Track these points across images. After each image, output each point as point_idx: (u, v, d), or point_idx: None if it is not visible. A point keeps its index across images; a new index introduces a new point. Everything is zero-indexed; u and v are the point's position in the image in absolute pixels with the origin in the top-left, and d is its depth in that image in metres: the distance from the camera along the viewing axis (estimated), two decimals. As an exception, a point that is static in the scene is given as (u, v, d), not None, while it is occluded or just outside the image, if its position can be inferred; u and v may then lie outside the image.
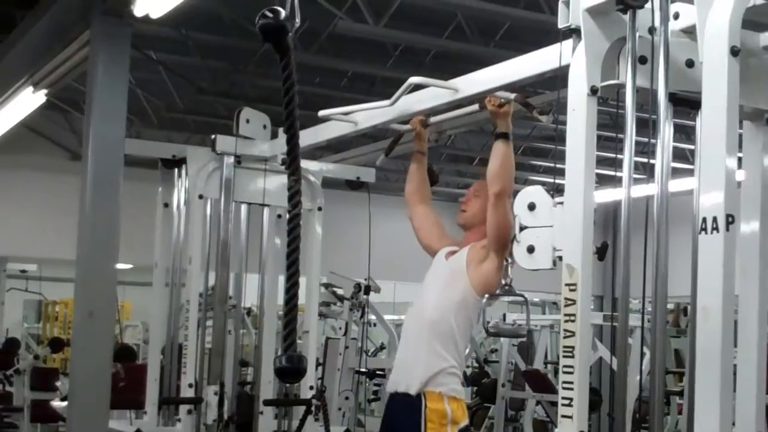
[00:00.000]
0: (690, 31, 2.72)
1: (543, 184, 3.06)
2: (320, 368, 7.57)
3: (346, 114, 4.42)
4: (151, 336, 5.89)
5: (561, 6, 2.84)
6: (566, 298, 2.72)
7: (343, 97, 8.70)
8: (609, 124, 2.94)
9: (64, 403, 6.69)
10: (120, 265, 5.86)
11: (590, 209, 2.73)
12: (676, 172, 2.74)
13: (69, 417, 5.41)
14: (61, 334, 13.86)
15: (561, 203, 2.82)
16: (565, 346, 2.72)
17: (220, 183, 5.34)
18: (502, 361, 9.91)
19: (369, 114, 4.28)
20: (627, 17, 2.70)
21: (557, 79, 2.91)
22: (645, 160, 2.74)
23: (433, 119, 4.44)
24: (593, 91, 2.73)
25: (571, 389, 2.69)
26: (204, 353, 5.40)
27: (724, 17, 2.43)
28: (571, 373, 2.69)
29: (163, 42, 8.44)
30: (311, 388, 5.27)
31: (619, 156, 2.70)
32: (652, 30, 2.71)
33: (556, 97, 2.96)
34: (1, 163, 10.50)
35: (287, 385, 5.54)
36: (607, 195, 3.07)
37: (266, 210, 5.50)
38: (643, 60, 2.70)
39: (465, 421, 4.02)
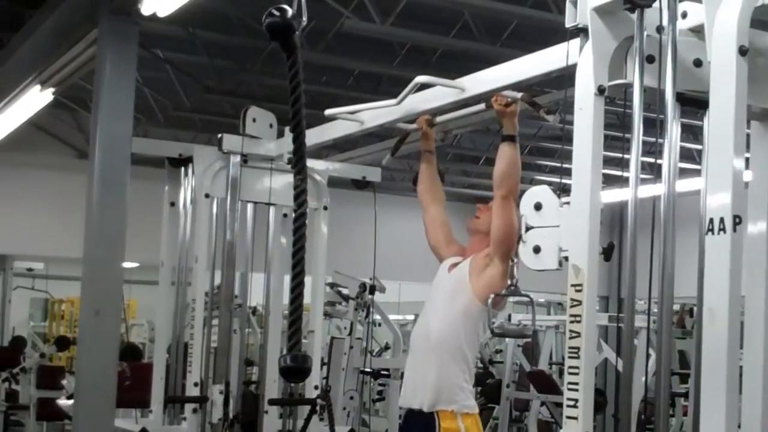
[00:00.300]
0: (698, 31, 2.71)
1: (549, 183, 3.06)
2: (325, 368, 7.57)
3: (352, 113, 4.42)
4: (156, 335, 5.89)
5: (568, 5, 2.84)
6: (572, 299, 2.72)
7: (349, 96, 8.70)
8: (616, 124, 2.94)
9: (70, 402, 6.70)
10: (126, 264, 5.87)
11: (597, 209, 2.73)
12: (683, 173, 2.74)
13: (75, 415, 5.41)
14: (67, 333, 13.89)
15: (567, 203, 2.82)
16: (570, 347, 2.72)
17: (227, 182, 5.35)
18: (506, 361, 9.90)
19: (375, 113, 4.28)
20: (635, 16, 2.70)
21: (564, 78, 2.91)
22: (652, 160, 2.73)
23: (439, 118, 4.44)
24: (600, 90, 2.72)
25: (577, 390, 2.68)
26: (209, 352, 5.41)
27: (733, 16, 2.42)
28: (577, 374, 2.69)
29: (170, 41, 8.44)
30: (316, 387, 5.27)
31: (626, 156, 2.69)
32: (659, 29, 2.70)
33: (563, 96, 2.95)
34: (9, 161, 10.51)
35: (292, 384, 5.53)
36: (613, 195, 3.06)
37: (272, 209, 5.50)
38: (650, 59, 2.70)
39: None
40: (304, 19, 2.40)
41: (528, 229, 2.92)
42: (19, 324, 14.82)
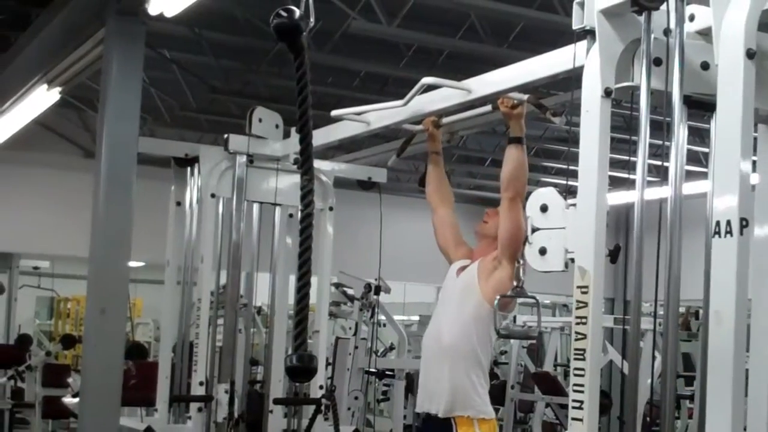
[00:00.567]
0: (705, 33, 2.70)
1: (555, 185, 3.06)
2: (330, 368, 7.57)
3: (358, 114, 4.41)
4: (162, 334, 5.90)
5: (575, 7, 2.84)
6: (578, 301, 2.72)
7: (355, 97, 8.71)
8: (622, 126, 2.94)
9: (76, 400, 6.72)
10: (132, 263, 5.87)
11: (603, 211, 2.72)
12: (689, 175, 2.73)
13: (80, 413, 5.42)
14: (72, 331, 13.90)
15: (574, 205, 2.82)
16: (576, 349, 2.72)
17: (233, 182, 5.35)
18: (511, 362, 9.90)
19: (381, 114, 4.27)
20: (642, 19, 2.70)
21: (571, 80, 2.91)
22: (659, 162, 2.73)
23: (445, 120, 4.44)
24: (607, 92, 2.72)
25: (582, 392, 2.68)
26: (215, 351, 5.41)
27: (740, 19, 2.41)
28: (582, 375, 2.68)
29: (177, 41, 8.45)
30: (321, 387, 5.28)
31: (632, 158, 2.69)
32: (667, 32, 2.70)
33: (569, 98, 2.95)
34: (15, 160, 10.53)
35: (297, 384, 5.54)
36: (620, 197, 3.05)
37: (278, 209, 5.51)
38: (657, 62, 2.69)
39: None
40: (312, 20, 2.40)
41: (534, 230, 2.92)
42: (25, 322, 14.85)
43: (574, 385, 2.70)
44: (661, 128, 2.66)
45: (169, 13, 5.16)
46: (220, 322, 5.52)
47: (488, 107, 4.04)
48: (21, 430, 10.30)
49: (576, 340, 2.71)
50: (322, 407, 5.08)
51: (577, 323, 2.71)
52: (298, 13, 2.26)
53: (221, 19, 7.85)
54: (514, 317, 8.86)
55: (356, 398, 7.81)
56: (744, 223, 2.36)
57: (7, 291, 12.91)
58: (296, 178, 5.24)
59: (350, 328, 8.20)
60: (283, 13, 2.25)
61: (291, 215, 5.48)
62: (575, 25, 2.85)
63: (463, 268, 4.17)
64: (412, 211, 10.41)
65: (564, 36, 3.07)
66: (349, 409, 7.68)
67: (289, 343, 5.51)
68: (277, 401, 5.37)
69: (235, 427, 5.20)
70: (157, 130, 10.52)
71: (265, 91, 9.43)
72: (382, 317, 8.80)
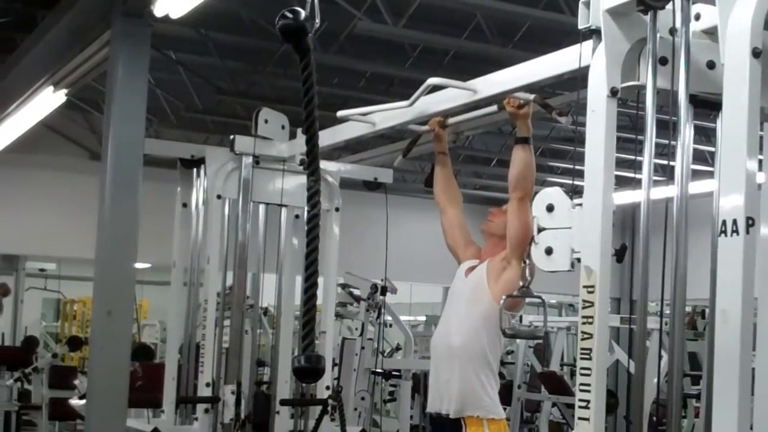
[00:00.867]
0: (711, 32, 2.70)
1: (561, 185, 3.05)
2: (336, 368, 7.58)
3: (364, 114, 4.42)
4: (168, 335, 5.91)
5: (581, 7, 2.84)
6: (584, 300, 2.72)
7: (361, 97, 8.71)
8: (628, 126, 2.94)
9: (83, 402, 6.73)
10: (138, 265, 5.89)
11: (609, 211, 2.72)
12: (695, 174, 2.73)
13: (87, 415, 5.44)
14: (79, 333, 13.93)
15: (580, 205, 2.82)
16: (582, 348, 2.72)
17: (239, 183, 5.36)
18: (518, 362, 9.90)
19: (387, 115, 4.28)
20: (648, 18, 2.69)
21: (577, 80, 2.91)
22: (665, 162, 2.73)
23: (451, 120, 4.44)
24: (613, 92, 2.72)
25: (588, 391, 2.68)
26: (221, 353, 5.41)
27: (746, 18, 2.41)
28: (588, 375, 2.68)
29: (183, 42, 8.47)
30: (327, 388, 5.28)
31: (638, 158, 2.69)
32: (672, 31, 2.70)
33: (575, 98, 2.95)
34: (21, 162, 10.55)
35: (304, 384, 5.54)
36: (626, 197, 3.05)
37: (284, 210, 5.51)
38: (663, 61, 2.69)
39: None
40: (317, 21, 2.41)
41: (540, 230, 2.92)
42: (31, 324, 14.87)
43: (581, 384, 2.70)
44: (667, 127, 2.66)
45: (175, 15, 5.17)
46: (226, 323, 5.53)
47: (494, 107, 4.04)
48: (28, 432, 10.33)
49: (582, 339, 2.71)
50: (329, 408, 5.08)
51: (584, 323, 2.71)
52: (303, 14, 2.26)
53: (227, 20, 7.86)
54: (521, 317, 8.87)
55: (363, 399, 7.82)
56: (750, 222, 2.36)
57: (13, 293, 12.94)
58: (302, 179, 5.25)
59: (357, 329, 8.21)
60: (289, 15, 2.25)
61: (297, 216, 5.48)
62: (581, 25, 2.85)
63: (472, 268, 4.17)
64: (418, 211, 10.42)
65: (570, 36, 3.07)
66: (355, 409, 7.68)
67: (295, 343, 5.51)
68: (283, 402, 5.37)
69: (241, 428, 5.21)
70: (163, 132, 10.54)
71: (270, 92, 9.44)
72: (389, 318, 8.81)
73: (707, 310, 3.20)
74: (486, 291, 4.02)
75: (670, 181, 2.68)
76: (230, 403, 5.19)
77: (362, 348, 7.89)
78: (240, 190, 5.36)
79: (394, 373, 8.99)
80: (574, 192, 2.88)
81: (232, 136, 5.42)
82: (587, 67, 2.81)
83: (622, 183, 2.89)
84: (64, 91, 6.78)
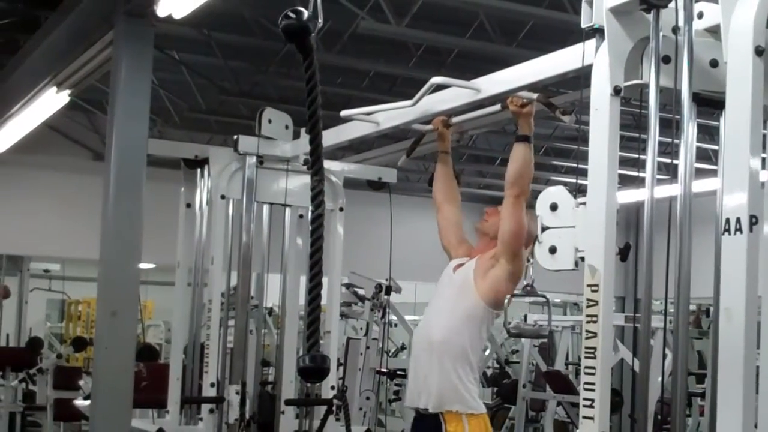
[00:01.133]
0: (714, 31, 2.70)
1: (565, 184, 3.06)
2: (341, 368, 7.58)
3: (368, 114, 4.42)
4: (173, 335, 5.91)
5: (584, 5, 2.84)
6: (588, 299, 2.72)
7: (364, 97, 8.71)
8: (632, 125, 2.94)
9: (87, 402, 6.73)
10: (143, 265, 5.89)
11: (613, 210, 2.72)
12: (699, 173, 2.73)
13: (92, 416, 5.44)
14: (83, 334, 13.94)
15: (583, 204, 2.82)
16: (587, 347, 2.72)
17: (242, 183, 5.36)
18: (523, 361, 9.89)
19: (391, 114, 4.28)
20: (650, 17, 2.70)
21: (580, 78, 2.91)
22: (668, 160, 2.73)
23: (455, 119, 4.44)
24: (616, 91, 2.72)
25: (593, 390, 2.68)
26: (226, 353, 5.42)
27: (749, 17, 2.41)
28: (593, 374, 2.69)
29: (186, 42, 8.47)
30: (332, 388, 5.28)
31: (642, 156, 2.69)
32: (675, 29, 2.70)
33: (579, 97, 2.95)
34: (25, 163, 10.56)
35: (308, 384, 5.55)
36: (629, 195, 3.05)
37: (288, 210, 5.51)
38: (666, 60, 2.69)
39: None
40: (320, 20, 2.41)
41: (544, 229, 2.92)
42: (36, 325, 14.89)
43: (585, 383, 2.70)
44: (671, 126, 2.66)
45: (178, 15, 5.17)
46: (231, 324, 5.53)
47: (497, 106, 4.04)
48: (33, 433, 10.35)
49: (587, 338, 2.71)
50: (334, 408, 5.08)
51: (588, 322, 2.71)
52: (306, 14, 2.27)
53: (230, 20, 7.86)
54: (525, 316, 8.87)
55: (368, 398, 7.82)
56: (754, 221, 2.36)
57: (17, 294, 12.96)
58: (306, 179, 5.25)
59: (361, 329, 8.21)
60: (292, 14, 2.26)
61: (301, 216, 5.49)
62: (584, 24, 2.85)
63: (461, 265, 4.16)
64: (422, 211, 10.37)
65: (573, 35, 3.07)
66: (360, 409, 7.69)
67: (300, 343, 5.52)
68: (288, 402, 5.38)
69: (246, 428, 5.21)
70: (166, 132, 10.54)
71: (274, 92, 9.44)
72: (393, 317, 8.81)
73: (711, 309, 3.20)
74: (472, 288, 4.01)
75: (673, 180, 2.68)
76: (235, 403, 5.19)
77: (367, 348, 7.89)
78: (244, 190, 5.36)
79: (398, 372, 8.99)
80: (578, 191, 2.88)
81: (235, 136, 5.42)
82: (590, 66, 2.81)
83: (625, 182, 2.89)
84: (68, 91, 6.79)
